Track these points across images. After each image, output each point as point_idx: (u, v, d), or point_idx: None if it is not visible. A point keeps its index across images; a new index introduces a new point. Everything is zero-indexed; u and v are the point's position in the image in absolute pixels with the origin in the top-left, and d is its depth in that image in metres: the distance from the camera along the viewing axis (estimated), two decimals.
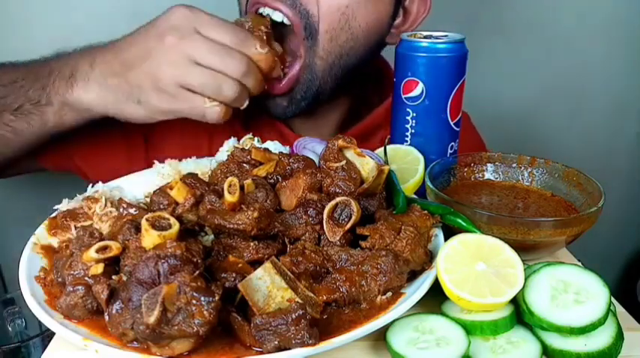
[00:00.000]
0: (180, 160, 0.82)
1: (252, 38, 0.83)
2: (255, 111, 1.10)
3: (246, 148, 0.76)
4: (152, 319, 0.47)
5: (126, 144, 1.02)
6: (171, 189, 0.63)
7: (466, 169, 0.82)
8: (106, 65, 0.82)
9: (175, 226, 0.56)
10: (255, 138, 0.85)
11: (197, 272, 0.51)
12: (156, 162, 0.82)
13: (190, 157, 0.83)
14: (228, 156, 0.75)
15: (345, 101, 1.10)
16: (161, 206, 0.63)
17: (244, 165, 0.72)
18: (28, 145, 0.91)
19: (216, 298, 0.50)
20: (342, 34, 0.93)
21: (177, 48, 0.79)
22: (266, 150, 0.74)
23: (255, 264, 0.57)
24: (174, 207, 0.62)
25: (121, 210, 0.67)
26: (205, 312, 0.49)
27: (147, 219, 0.55)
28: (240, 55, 0.81)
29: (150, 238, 0.54)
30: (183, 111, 0.81)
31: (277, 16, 0.90)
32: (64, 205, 0.73)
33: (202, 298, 0.49)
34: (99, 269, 0.55)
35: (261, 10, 0.92)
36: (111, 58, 0.82)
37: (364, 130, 1.08)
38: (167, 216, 0.57)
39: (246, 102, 0.86)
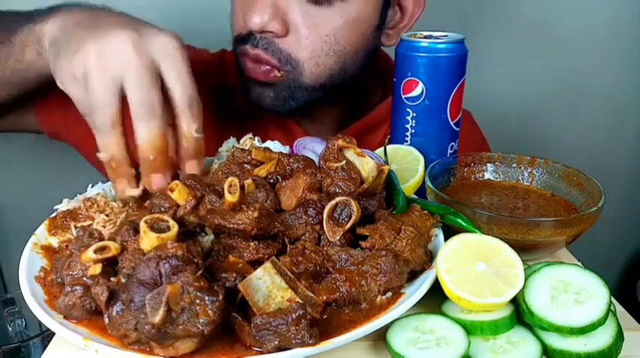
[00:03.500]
0: None
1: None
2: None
3: (246, 148, 0.75)
4: (157, 318, 0.47)
5: None
6: (171, 191, 0.62)
7: (466, 169, 0.82)
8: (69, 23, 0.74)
9: (174, 228, 0.55)
10: (256, 138, 0.85)
11: (199, 272, 0.51)
12: None
13: None
14: (227, 156, 0.75)
15: (348, 101, 1.11)
16: (162, 209, 0.63)
17: (245, 165, 0.72)
18: None
19: (220, 298, 0.50)
20: (329, 59, 0.95)
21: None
22: (266, 149, 0.73)
23: (256, 264, 0.57)
24: (175, 209, 0.62)
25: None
26: (210, 311, 0.49)
27: (145, 221, 0.55)
28: (160, 122, 0.66)
29: (148, 240, 0.54)
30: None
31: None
32: (64, 205, 0.73)
33: (206, 298, 0.49)
34: (97, 269, 0.55)
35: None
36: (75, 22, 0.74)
37: (365, 127, 1.08)
38: (166, 218, 0.57)
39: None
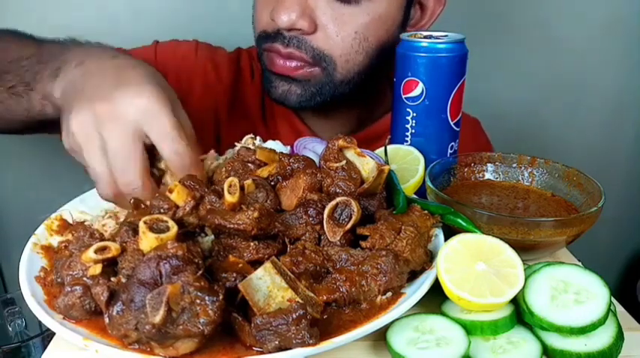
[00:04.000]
0: None
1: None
2: (271, 108, 1.11)
3: (250, 147, 0.75)
4: (158, 318, 0.47)
5: None
6: (170, 192, 0.62)
7: (466, 169, 0.82)
8: (82, 75, 0.74)
9: (173, 229, 0.55)
10: (258, 137, 0.85)
11: (200, 272, 0.51)
12: None
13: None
14: (232, 155, 0.75)
15: (361, 103, 1.11)
16: (161, 210, 0.62)
17: (249, 164, 0.72)
18: (22, 124, 0.88)
19: (220, 297, 0.50)
20: (358, 56, 0.97)
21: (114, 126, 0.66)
22: (271, 150, 0.73)
23: (256, 264, 0.57)
24: (174, 211, 0.62)
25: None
26: (210, 311, 0.49)
27: (144, 222, 0.55)
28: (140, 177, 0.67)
29: (147, 241, 0.54)
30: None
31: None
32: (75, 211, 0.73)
33: (207, 298, 0.49)
34: (97, 269, 0.55)
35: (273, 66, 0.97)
36: (86, 74, 0.73)
37: (374, 133, 1.09)
38: (165, 218, 0.57)
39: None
